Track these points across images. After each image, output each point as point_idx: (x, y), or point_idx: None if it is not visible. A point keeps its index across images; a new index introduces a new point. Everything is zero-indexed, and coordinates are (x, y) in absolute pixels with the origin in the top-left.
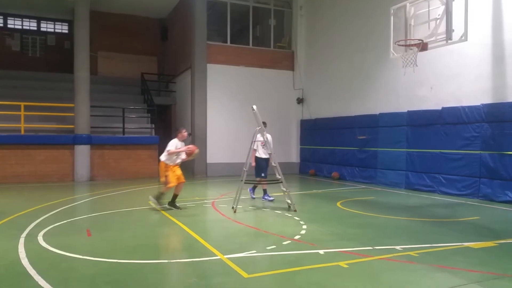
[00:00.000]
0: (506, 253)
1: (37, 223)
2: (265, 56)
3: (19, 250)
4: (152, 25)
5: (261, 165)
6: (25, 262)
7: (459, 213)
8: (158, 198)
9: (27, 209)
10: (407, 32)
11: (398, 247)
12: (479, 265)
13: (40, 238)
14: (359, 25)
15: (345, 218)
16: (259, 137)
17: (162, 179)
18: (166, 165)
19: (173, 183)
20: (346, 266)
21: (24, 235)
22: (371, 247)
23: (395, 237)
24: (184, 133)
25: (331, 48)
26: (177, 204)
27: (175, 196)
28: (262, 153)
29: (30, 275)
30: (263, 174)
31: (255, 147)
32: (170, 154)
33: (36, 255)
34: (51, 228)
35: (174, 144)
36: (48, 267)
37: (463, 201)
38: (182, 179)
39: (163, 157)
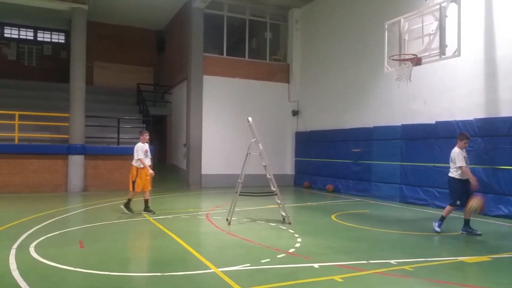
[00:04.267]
0: (500, 268)
1: (29, 234)
2: (261, 69)
3: (10, 262)
4: (148, 36)
5: (458, 189)
6: (15, 273)
7: (453, 227)
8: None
9: (19, 220)
10: (401, 47)
11: (393, 261)
12: (473, 280)
13: (31, 249)
14: (353, 39)
15: (339, 231)
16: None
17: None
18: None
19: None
20: (341, 280)
21: (15, 246)
22: (366, 261)
23: (390, 251)
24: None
25: (326, 61)
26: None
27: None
28: (456, 173)
29: (21, 287)
30: (458, 202)
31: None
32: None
33: (27, 266)
34: (43, 239)
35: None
36: (39, 279)
37: (457, 215)
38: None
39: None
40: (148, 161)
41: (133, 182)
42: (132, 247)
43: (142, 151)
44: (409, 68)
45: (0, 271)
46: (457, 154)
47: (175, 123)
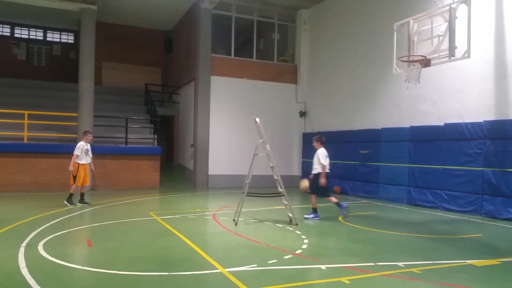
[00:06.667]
0: (509, 271)
1: (38, 232)
2: (268, 69)
3: (19, 260)
4: (156, 37)
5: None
6: (25, 271)
7: (462, 230)
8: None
9: (28, 218)
10: (410, 48)
11: (400, 264)
12: (482, 283)
13: (40, 248)
14: (362, 40)
15: (346, 233)
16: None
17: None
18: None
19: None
20: (348, 282)
21: (24, 244)
22: (373, 263)
23: (398, 253)
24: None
25: (334, 62)
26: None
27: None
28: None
29: (30, 285)
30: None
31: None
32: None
33: (36, 264)
34: (52, 237)
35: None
36: (47, 277)
37: (466, 218)
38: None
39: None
40: (88, 159)
41: (74, 177)
42: (140, 247)
43: (81, 149)
44: (418, 69)
45: (9, 269)
46: (323, 154)
47: (182, 124)
